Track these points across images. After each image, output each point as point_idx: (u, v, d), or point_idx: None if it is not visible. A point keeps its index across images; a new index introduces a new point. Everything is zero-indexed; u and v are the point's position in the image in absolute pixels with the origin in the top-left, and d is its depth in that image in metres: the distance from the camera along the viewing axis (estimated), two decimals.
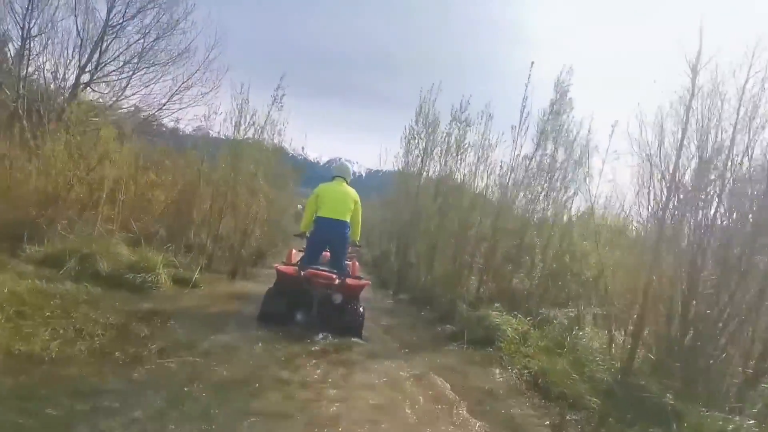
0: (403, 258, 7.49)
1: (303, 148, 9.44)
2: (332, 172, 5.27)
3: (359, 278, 5.03)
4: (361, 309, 4.69)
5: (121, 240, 5.74)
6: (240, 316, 4.59)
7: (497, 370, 4.38)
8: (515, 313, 5.90)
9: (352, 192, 5.02)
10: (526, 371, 4.34)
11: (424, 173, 7.45)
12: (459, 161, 6.57)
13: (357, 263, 5.81)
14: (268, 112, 7.25)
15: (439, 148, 7.17)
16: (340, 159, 6.79)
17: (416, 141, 7.40)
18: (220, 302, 4.99)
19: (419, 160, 7.49)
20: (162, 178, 6.68)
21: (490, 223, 6.53)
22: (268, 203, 7.36)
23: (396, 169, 9.66)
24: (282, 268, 4.73)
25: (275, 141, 7.95)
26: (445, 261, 6.73)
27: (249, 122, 6.98)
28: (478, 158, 6.60)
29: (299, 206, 11.03)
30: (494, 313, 5.58)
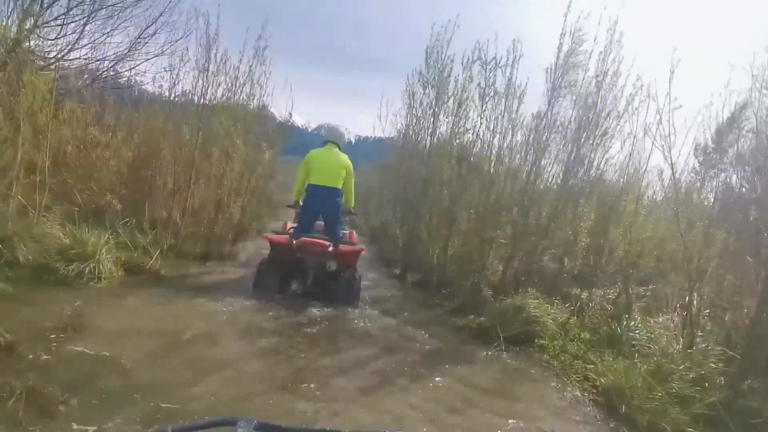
0: (411, 231, 6.34)
1: (290, 113, 8.06)
2: (322, 136, 5.02)
3: (354, 244, 4.89)
4: (357, 276, 4.57)
5: (61, 216, 4.50)
6: (203, 319, 3.42)
7: (553, 385, 3.31)
8: (550, 298, 4.88)
9: (344, 158, 4.77)
10: (590, 386, 3.29)
11: (437, 130, 6.16)
12: (484, 113, 5.28)
13: (355, 233, 5.50)
14: (249, 65, 5.89)
15: (453, 99, 5.88)
16: (329, 124, 5.78)
17: (426, 90, 6.09)
18: (181, 299, 3.78)
19: (430, 113, 6.19)
20: (110, 137, 5.34)
21: (519, 190, 5.36)
22: (249, 168, 6.11)
23: (396, 130, 8.35)
24: (274, 237, 4.53)
25: (257, 96, 6.57)
26: (465, 235, 5.59)
27: (220, 68, 5.60)
28: (504, 109, 5.32)
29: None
30: (533, 301, 4.51)
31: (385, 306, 4.71)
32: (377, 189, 10.82)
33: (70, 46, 9.19)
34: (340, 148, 4.82)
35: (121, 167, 5.33)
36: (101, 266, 3.76)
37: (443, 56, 5.93)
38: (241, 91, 6.02)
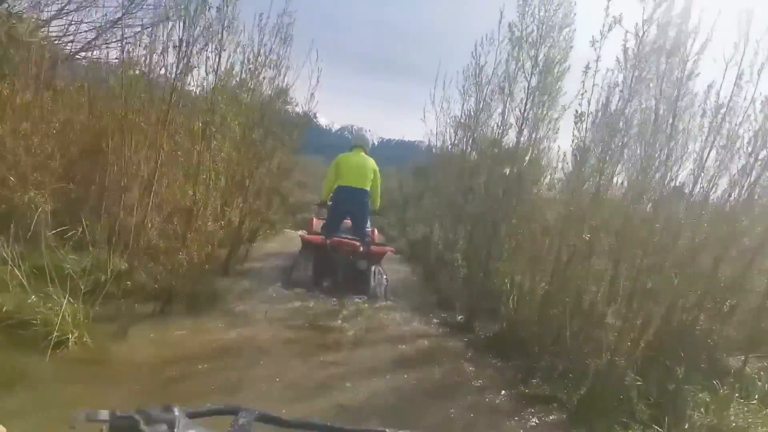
0: (481, 264, 4.33)
1: (315, 113, 6.81)
2: (351, 141, 5.19)
3: (382, 245, 5.15)
4: (384, 275, 4.70)
5: None
6: None
7: None
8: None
9: (371, 161, 4.95)
10: None
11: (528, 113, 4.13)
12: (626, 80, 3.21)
13: (377, 231, 5.56)
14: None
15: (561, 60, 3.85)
16: (353, 126, 4.38)
17: (518, 50, 4.05)
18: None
19: (524, 102, 4.15)
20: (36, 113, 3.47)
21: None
22: (254, 159, 4.29)
23: (452, 118, 6.29)
24: (309, 237, 4.72)
25: (278, 82, 4.72)
26: (577, 280, 3.55)
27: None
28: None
29: None
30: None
31: (458, 404, 2.74)
32: (415, 196, 8.85)
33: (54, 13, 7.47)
34: (366, 152, 4.98)
35: (55, 152, 3.46)
36: None
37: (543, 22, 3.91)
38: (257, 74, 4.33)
